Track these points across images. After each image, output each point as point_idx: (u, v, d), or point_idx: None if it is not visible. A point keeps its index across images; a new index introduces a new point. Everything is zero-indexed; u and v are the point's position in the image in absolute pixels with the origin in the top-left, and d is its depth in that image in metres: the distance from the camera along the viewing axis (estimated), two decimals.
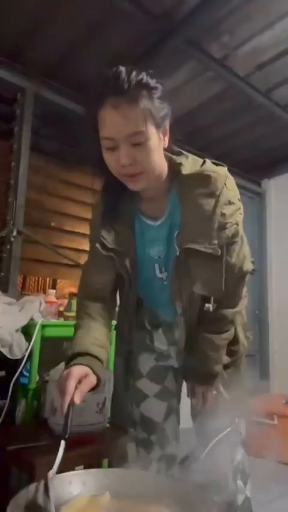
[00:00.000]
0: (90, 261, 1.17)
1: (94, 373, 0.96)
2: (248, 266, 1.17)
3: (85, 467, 1.51)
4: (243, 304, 1.22)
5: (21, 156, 2.46)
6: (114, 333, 1.30)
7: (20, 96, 2.53)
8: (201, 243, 1.03)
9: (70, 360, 0.99)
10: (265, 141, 3.46)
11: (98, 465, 1.77)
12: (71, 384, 0.89)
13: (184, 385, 1.29)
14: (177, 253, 1.06)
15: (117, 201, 1.12)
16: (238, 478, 1.18)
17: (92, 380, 0.94)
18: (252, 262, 1.20)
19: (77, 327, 1.09)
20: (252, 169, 4.00)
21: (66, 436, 0.84)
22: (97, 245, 1.08)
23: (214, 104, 2.87)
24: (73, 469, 1.24)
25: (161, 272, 1.15)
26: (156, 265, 1.14)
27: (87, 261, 1.20)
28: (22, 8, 2.06)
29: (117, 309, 1.25)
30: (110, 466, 1.75)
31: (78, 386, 0.90)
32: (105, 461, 1.79)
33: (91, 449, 1.46)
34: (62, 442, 0.84)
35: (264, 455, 3.21)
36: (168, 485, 0.87)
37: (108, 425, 1.61)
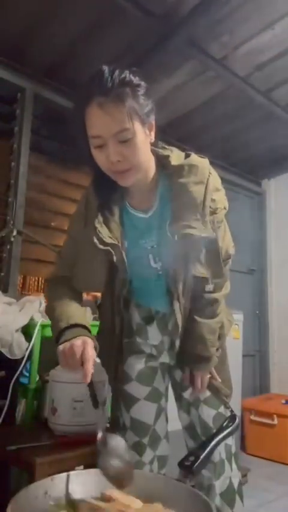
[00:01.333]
0: (83, 257, 1.14)
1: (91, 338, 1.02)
2: (231, 250, 1.23)
3: (85, 467, 1.51)
4: (228, 288, 1.26)
5: (21, 156, 2.46)
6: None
7: (20, 96, 2.52)
8: (196, 228, 1.08)
9: (62, 332, 1.03)
10: (265, 141, 3.46)
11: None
12: (90, 351, 0.96)
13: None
14: (173, 241, 1.10)
15: (109, 196, 1.14)
16: (232, 462, 1.20)
17: (91, 342, 1.01)
18: (232, 247, 1.26)
19: (62, 304, 1.12)
20: (252, 169, 4.00)
21: (104, 400, 0.92)
22: (95, 240, 1.08)
23: (214, 104, 2.87)
24: (73, 469, 1.24)
25: (155, 262, 1.17)
26: (151, 256, 1.16)
27: (67, 254, 1.21)
28: (22, 7, 2.06)
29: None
30: None
31: (85, 351, 0.96)
32: None
33: (91, 449, 1.46)
34: (101, 408, 0.91)
35: (265, 455, 3.24)
36: (168, 485, 0.87)
37: (108, 425, 1.61)
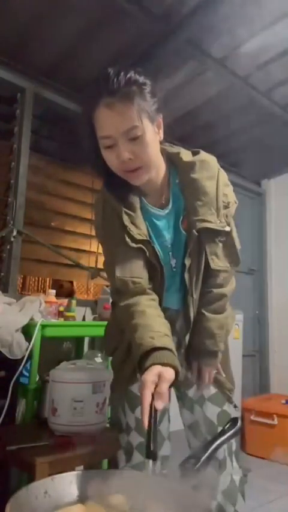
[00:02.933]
0: (119, 259, 1.11)
1: (167, 365, 0.92)
2: (238, 245, 1.23)
3: (85, 467, 1.51)
4: (234, 283, 1.27)
5: (21, 156, 2.46)
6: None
7: (20, 96, 2.53)
8: (212, 222, 1.10)
9: (140, 363, 0.96)
10: (265, 141, 3.45)
11: (98, 465, 1.77)
12: (146, 395, 0.85)
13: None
14: (188, 236, 1.12)
15: (127, 195, 1.14)
16: (233, 459, 1.20)
17: (168, 375, 0.90)
18: (239, 242, 1.26)
19: (133, 329, 1.03)
20: (252, 169, 4.00)
21: (155, 454, 0.80)
22: (127, 239, 1.08)
23: (214, 104, 2.87)
24: (73, 469, 1.24)
25: (171, 259, 1.18)
26: (170, 253, 1.18)
27: (111, 261, 1.13)
28: (22, 7, 2.06)
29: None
30: (109, 466, 1.75)
31: (157, 389, 0.87)
32: (105, 461, 1.79)
33: (91, 449, 1.46)
34: (150, 462, 0.80)
35: (264, 455, 3.24)
36: (168, 487, 0.87)
37: (108, 425, 1.61)
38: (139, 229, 1.11)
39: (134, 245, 1.09)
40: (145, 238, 1.10)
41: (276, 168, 4.02)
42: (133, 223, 1.11)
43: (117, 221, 1.11)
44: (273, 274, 4.07)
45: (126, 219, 1.10)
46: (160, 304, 1.14)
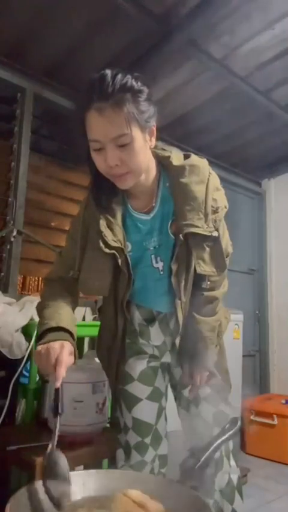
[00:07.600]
0: (87, 261, 1.14)
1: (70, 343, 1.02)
2: (230, 248, 1.25)
3: (85, 467, 1.51)
4: (226, 286, 1.28)
5: (21, 156, 2.46)
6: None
7: (20, 96, 2.53)
8: (200, 227, 1.10)
9: (50, 330, 1.03)
10: (265, 141, 3.46)
11: (98, 465, 1.77)
12: (65, 356, 0.95)
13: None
14: (176, 240, 1.12)
15: (110, 199, 1.15)
16: (230, 458, 1.20)
17: (69, 347, 1.00)
18: (231, 245, 1.28)
19: (56, 305, 1.12)
20: (252, 169, 4.00)
21: (60, 412, 0.89)
22: (101, 244, 1.09)
23: (214, 104, 2.87)
24: (73, 469, 1.23)
25: (156, 262, 1.18)
26: (152, 256, 1.18)
27: (67, 255, 1.23)
28: (22, 8, 2.06)
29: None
30: (109, 466, 1.75)
31: (59, 356, 0.96)
32: (105, 461, 1.79)
33: (91, 449, 1.46)
34: (58, 418, 0.87)
35: (264, 455, 3.24)
36: (168, 487, 0.87)
37: (108, 425, 1.61)
38: (115, 236, 1.11)
39: (107, 251, 1.09)
40: (119, 245, 1.11)
41: (276, 168, 4.02)
42: (110, 228, 1.12)
43: (94, 225, 1.13)
44: (273, 274, 4.07)
45: (102, 224, 1.11)
46: (126, 305, 1.18)
